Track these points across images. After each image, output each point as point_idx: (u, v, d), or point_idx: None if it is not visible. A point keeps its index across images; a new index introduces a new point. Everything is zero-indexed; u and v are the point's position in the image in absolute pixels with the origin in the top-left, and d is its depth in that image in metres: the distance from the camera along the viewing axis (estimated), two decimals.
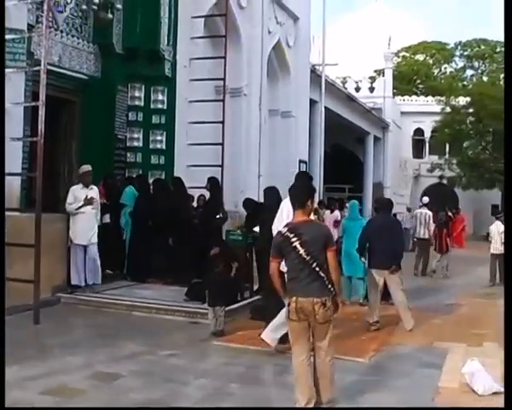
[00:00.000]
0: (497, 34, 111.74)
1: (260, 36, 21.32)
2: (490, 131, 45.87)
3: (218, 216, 14.62)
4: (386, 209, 12.92)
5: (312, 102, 28.32)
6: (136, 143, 17.19)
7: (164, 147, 17.06)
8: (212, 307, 10.76)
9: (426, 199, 24.56)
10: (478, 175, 44.41)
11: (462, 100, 47.55)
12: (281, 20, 23.66)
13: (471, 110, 45.81)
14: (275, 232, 7.91)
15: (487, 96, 43.25)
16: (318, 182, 28.45)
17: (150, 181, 16.07)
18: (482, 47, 68.52)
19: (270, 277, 7.03)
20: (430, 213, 22.99)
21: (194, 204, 16.23)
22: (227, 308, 11.06)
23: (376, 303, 12.10)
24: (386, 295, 13.02)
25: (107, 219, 15.00)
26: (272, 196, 11.33)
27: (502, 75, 65.45)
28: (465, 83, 65.34)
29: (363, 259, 12.82)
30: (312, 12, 27.08)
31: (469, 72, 69.73)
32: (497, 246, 19.79)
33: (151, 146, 17.14)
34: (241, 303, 12.89)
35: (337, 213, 22.49)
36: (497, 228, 20.25)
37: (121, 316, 12.09)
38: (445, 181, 47.71)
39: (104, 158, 15.99)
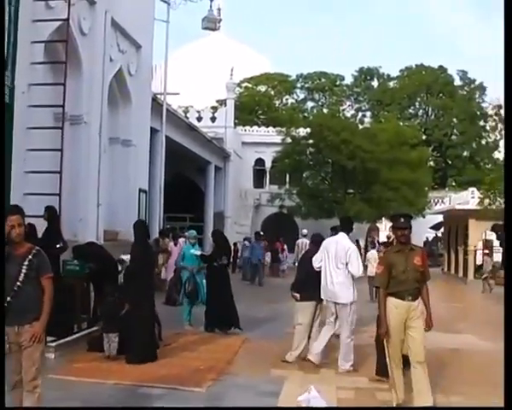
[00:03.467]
0: (338, 68, 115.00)
1: (102, 63, 21.04)
2: (329, 162, 47.05)
3: (58, 246, 14.29)
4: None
5: (153, 131, 28.16)
6: None
7: None
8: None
9: (305, 231, 26.54)
10: (317, 205, 45.24)
11: (303, 131, 48.40)
12: (123, 48, 23.45)
13: (311, 141, 46.68)
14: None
15: (327, 128, 44.35)
16: (158, 211, 28.36)
17: None
18: (322, 80, 70.56)
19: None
20: (306, 241, 25.04)
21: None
22: (61, 341, 10.87)
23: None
24: (224, 325, 13.14)
25: None
26: (139, 230, 12.11)
27: (341, 108, 67.78)
28: (306, 114, 66.89)
29: None
30: (155, 40, 27.03)
31: (310, 103, 71.65)
32: (372, 270, 21.13)
33: None
34: (78, 335, 12.63)
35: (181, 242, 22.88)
36: (373, 255, 24.34)
37: None
38: (285, 211, 48.39)
39: None
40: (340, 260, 11.54)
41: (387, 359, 9.01)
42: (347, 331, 11.54)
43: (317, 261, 11.92)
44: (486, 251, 37.37)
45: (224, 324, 15.19)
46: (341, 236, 12.04)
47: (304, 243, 25.92)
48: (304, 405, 8.17)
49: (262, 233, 35.52)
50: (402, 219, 9.05)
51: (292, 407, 7.92)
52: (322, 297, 11.81)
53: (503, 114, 62.65)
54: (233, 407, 7.37)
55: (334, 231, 12.94)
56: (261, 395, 9.58)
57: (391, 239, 43.49)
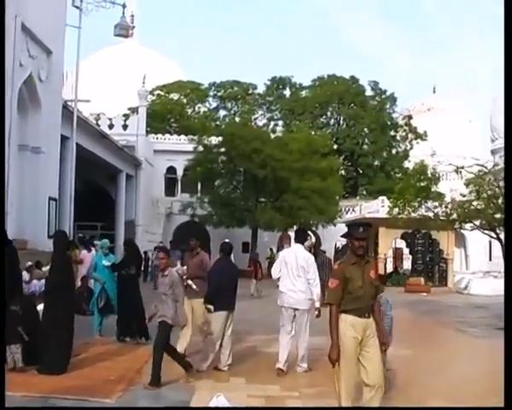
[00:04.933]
0: (250, 77, 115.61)
1: (11, 68, 20.68)
2: (240, 170, 47.24)
3: None
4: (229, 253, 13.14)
5: (64, 139, 27.82)
6: None
7: None
8: None
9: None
10: (229, 213, 45.34)
11: (215, 139, 48.46)
12: (33, 54, 23.09)
13: (223, 150, 46.79)
14: None
15: (238, 137, 44.52)
16: (69, 220, 27.99)
17: None
18: (235, 88, 70.60)
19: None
20: None
21: None
22: None
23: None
24: (135, 334, 13.09)
25: None
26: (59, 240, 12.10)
27: (254, 116, 68.05)
28: (218, 123, 66.82)
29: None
30: (66, 46, 26.68)
31: (222, 112, 71.57)
32: None
33: None
34: None
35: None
36: None
37: None
38: (196, 219, 48.30)
39: None
40: (301, 270, 12.09)
41: (338, 389, 7.99)
42: (306, 335, 12.26)
43: (275, 272, 12.36)
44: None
45: (135, 333, 15.13)
46: (298, 247, 12.64)
47: None
48: None
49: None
50: (361, 229, 8.22)
51: (287, 407, 7.76)
52: (283, 304, 12.19)
53: (412, 124, 63.96)
54: (235, 407, 7.25)
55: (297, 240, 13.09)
56: (171, 404, 9.59)
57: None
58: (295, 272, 12.14)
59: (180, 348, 12.43)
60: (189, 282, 12.83)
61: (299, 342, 12.29)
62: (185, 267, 13.44)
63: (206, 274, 12.85)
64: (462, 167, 23.45)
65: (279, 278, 12.30)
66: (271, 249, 48.03)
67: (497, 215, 21.52)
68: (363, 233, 8.16)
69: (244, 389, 10.70)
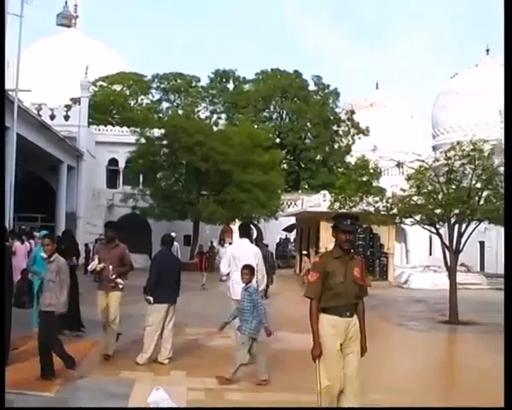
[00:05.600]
0: (194, 70, 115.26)
1: None
2: (183, 163, 47.11)
3: None
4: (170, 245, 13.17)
5: (4, 129, 27.45)
6: None
7: None
8: None
9: (173, 234, 27.03)
10: (171, 206, 45.19)
11: (157, 132, 48.28)
12: None
13: (165, 142, 46.67)
14: None
15: (181, 129, 44.40)
16: (9, 211, 27.62)
17: None
18: (178, 81, 70.33)
19: None
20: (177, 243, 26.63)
21: None
22: None
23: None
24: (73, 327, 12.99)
25: None
26: None
27: (197, 109, 67.87)
28: (161, 115, 66.51)
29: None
30: (7, 35, 26.24)
31: (165, 104, 71.24)
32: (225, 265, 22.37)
33: None
34: None
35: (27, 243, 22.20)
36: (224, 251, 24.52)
37: None
38: (138, 211, 48.01)
39: None
40: (251, 263, 12.03)
41: (319, 389, 7.30)
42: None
43: (225, 267, 12.51)
44: (305, 252, 38.43)
45: (74, 326, 14.99)
46: (246, 241, 12.76)
47: (176, 246, 26.98)
48: (153, 406, 8.15)
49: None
50: (348, 221, 7.57)
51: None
52: (232, 297, 12.21)
53: (355, 120, 64.42)
54: (232, 407, 7.10)
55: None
56: (111, 397, 9.53)
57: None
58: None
59: (111, 346, 12.38)
60: (118, 280, 12.47)
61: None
62: (96, 262, 12.74)
63: (128, 267, 12.78)
64: (403, 163, 23.66)
65: (228, 274, 12.44)
66: (212, 242, 47.96)
67: (438, 210, 21.78)
68: (350, 226, 7.55)
69: (184, 382, 10.68)
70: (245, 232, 13.18)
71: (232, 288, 12.34)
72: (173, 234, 25.82)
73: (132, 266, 13.00)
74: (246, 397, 10.13)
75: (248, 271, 11.15)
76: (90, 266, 12.77)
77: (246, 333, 10.67)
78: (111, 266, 12.38)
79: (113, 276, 12.38)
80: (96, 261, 12.64)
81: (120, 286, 12.48)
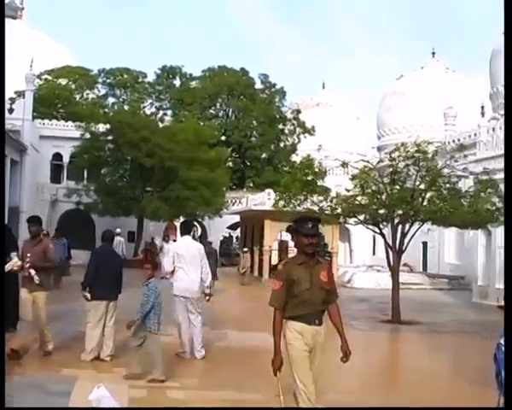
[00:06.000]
0: (140, 65, 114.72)
1: None
2: (128, 159, 46.85)
3: None
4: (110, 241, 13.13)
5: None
6: None
7: None
8: None
9: (118, 230, 26.75)
10: (115, 202, 44.84)
11: (103, 127, 47.93)
12: None
13: (110, 137, 46.32)
14: None
15: (127, 125, 44.16)
16: None
17: None
18: (125, 76, 69.85)
19: None
20: (122, 239, 25.76)
21: None
22: None
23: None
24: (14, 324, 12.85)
25: None
26: None
27: (142, 105, 67.52)
28: (106, 110, 66.01)
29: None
30: None
31: (111, 99, 70.70)
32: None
33: None
34: None
35: None
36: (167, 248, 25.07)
37: None
38: (82, 207, 47.56)
39: None
40: (194, 260, 12.53)
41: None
42: (201, 322, 12.75)
43: (169, 265, 12.78)
44: (245, 249, 38.64)
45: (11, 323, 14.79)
46: (187, 238, 13.04)
47: (117, 240, 26.43)
48: (94, 405, 8.07)
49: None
50: (309, 224, 7.21)
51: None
52: (177, 294, 12.51)
53: (301, 119, 64.67)
54: (232, 408, 6.90)
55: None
56: (52, 394, 9.44)
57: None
58: (188, 263, 12.50)
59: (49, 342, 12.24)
60: (32, 272, 11.86)
61: (194, 330, 12.63)
62: (14, 261, 12.22)
63: (51, 263, 12.52)
64: (348, 163, 23.82)
65: (173, 271, 12.61)
66: (153, 239, 47.64)
67: (381, 211, 21.97)
68: (312, 229, 7.19)
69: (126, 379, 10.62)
70: (186, 230, 13.37)
71: (176, 285, 12.50)
72: (118, 230, 25.68)
73: (53, 262, 12.80)
74: (188, 395, 10.11)
75: (150, 265, 11.23)
76: (7, 266, 12.05)
77: (151, 329, 10.66)
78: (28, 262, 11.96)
79: (28, 265, 11.90)
80: (15, 260, 12.19)
81: (37, 282, 11.87)
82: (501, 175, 23.57)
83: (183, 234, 13.29)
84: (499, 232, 26.84)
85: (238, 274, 36.94)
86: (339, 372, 12.69)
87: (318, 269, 7.18)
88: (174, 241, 30.57)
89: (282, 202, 24.73)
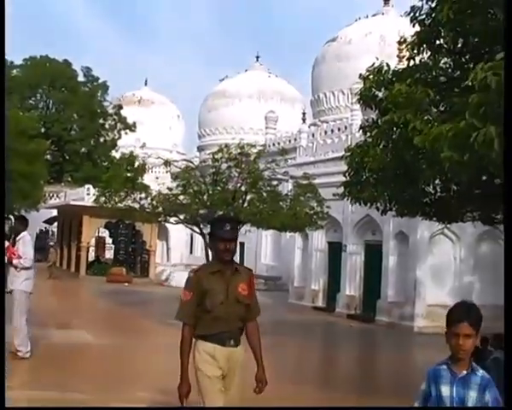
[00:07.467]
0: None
1: None
2: None
3: None
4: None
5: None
6: None
7: None
8: None
9: None
10: None
11: None
12: None
13: None
14: None
15: None
16: None
17: None
18: None
19: None
20: None
21: None
22: None
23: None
24: None
25: None
26: None
27: None
28: None
29: None
30: None
31: None
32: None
33: None
34: None
35: None
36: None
37: None
38: None
39: None
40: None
41: None
42: (24, 318, 12.16)
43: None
44: (51, 243, 38.49)
45: None
46: (25, 234, 13.73)
47: None
48: None
49: None
50: (227, 227, 5.99)
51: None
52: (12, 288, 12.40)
53: (122, 114, 64.09)
54: (235, 407, 6.09)
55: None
56: None
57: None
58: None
59: None
60: None
61: (20, 326, 12.21)
62: None
63: None
64: (170, 161, 23.86)
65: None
66: None
67: (202, 211, 22.17)
68: (230, 233, 5.97)
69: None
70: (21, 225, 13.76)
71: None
72: None
73: None
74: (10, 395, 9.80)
75: None
76: None
77: None
78: None
79: None
80: None
81: None
82: (320, 180, 24.38)
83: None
84: (316, 235, 27.73)
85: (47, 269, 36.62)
86: (159, 369, 12.74)
87: (237, 280, 6.03)
88: None
89: (103, 199, 24.49)
